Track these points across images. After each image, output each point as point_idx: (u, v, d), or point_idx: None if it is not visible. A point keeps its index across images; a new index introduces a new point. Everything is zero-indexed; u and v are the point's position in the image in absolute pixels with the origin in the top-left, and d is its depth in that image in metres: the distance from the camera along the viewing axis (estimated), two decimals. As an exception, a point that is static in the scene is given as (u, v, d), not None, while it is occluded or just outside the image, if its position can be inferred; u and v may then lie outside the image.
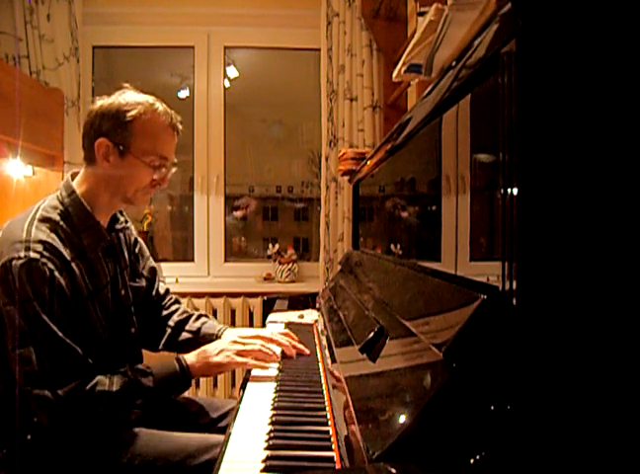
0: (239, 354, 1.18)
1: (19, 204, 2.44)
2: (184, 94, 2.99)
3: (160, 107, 1.17)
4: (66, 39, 2.57)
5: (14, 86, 2.11)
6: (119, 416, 1.06)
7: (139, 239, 1.39)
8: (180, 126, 1.21)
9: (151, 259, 1.43)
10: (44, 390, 0.99)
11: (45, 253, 1.03)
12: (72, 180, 1.19)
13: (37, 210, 1.11)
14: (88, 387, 1.02)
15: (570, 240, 0.52)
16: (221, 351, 1.18)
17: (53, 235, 1.07)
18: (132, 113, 1.12)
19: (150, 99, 1.17)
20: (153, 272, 1.41)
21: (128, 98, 1.15)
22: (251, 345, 1.21)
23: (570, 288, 0.52)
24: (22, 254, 1.01)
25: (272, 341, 1.28)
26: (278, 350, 1.29)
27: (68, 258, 1.08)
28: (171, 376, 1.12)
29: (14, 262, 1.01)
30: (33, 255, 1.01)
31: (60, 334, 1.01)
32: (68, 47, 2.57)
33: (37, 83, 2.50)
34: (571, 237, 0.52)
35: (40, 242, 1.04)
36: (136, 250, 1.36)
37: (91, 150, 1.14)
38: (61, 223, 1.10)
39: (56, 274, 1.03)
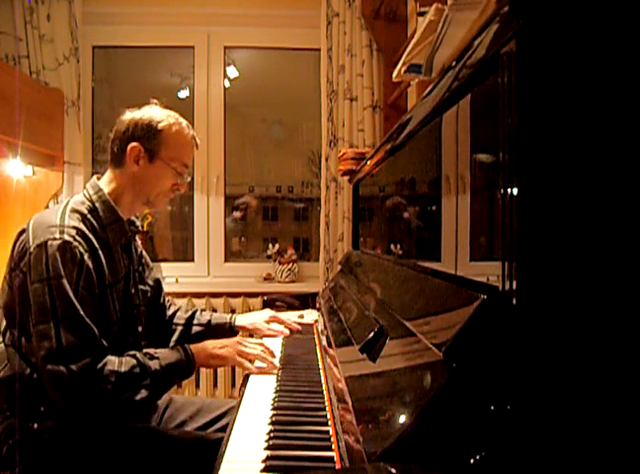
0: (240, 354, 1.24)
1: (19, 204, 2.44)
2: (184, 94, 2.99)
3: (184, 122, 1.30)
4: (66, 39, 2.57)
5: (14, 86, 2.11)
6: (125, 395, 1.09)
7: (144, 251, 1.47)
8: (198, 141, 1.34)
9: (155, 270, 1.51)
10: (60, 366, 1.03)
11: (78, 237, 1.12)
12: (98, 181, 1.27)
13: (67, 204, 1.19)
14: (99, 365, 1.07)
15: (570, 240, 0.52)
16: (225, 346, 1.25)
17: (82, 225, 1.15)
18: (163, 123, 1.25)
19: (176, 115, 1.30)
20: (158, 282, 1.49)
21: (158, 111, 1.27)
22: (252, 348, 1.26)
23: (570, 288, 0.52)
24: (57, 236, 1.10)
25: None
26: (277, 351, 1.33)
27: (96, 246, 1.16)
28: (177, 362, 1.18)
29: (49, 242, 1.09)
30: (67, 237, 1.10)
31: (82, 312, 1.07)
32: (68, 47, 2.57)
33: (37, 83, 2.50)
34: (571, 237, 0.52)
35: (74, 228, 1.13)
36: (143, 260, 1.43)
37: (121, 154, 1.25)
38: (89, 216, 1.19)
39: (86, 257, 1.11)
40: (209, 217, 2.86)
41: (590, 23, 0.52)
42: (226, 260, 2.90)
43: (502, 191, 0.56)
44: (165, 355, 1.18)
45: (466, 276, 0.73)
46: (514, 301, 0.53)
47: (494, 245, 0.65)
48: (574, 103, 0.52)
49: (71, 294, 1.06)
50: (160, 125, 1.24)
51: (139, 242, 1.44)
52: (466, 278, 0.72)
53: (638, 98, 0.52)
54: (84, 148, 2.66)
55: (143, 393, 1.11)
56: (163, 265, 2.86)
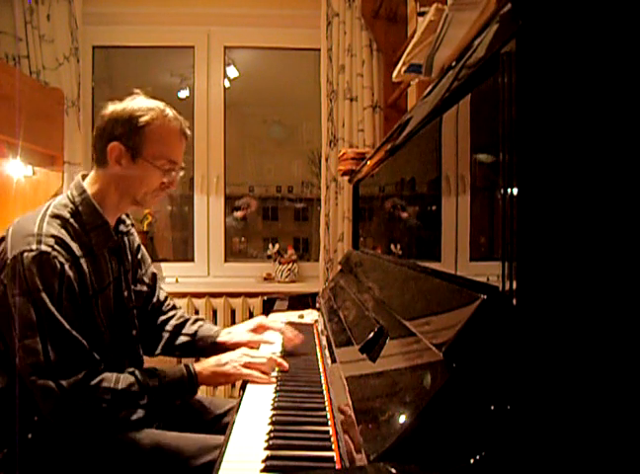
0: (246, 365, 1.18)
1: (19, 204, 2.44)
2: (184, 94, 2.99)
3: (170, 113, 1.20)
4: (66, 38, 2.57)
5: (14, 86, 2.11)
6: (120, 414, 1.06)
7: (142, 246, 1.41)
8: (188, 132, 1.25)
9: (152, 266, 1.44)
10: (49, 381, 1.00)
11: (57, 246, 1.05)
12: (83, 180, 1.21)
13: (47, 207, 1.13)
14: (94, 382, 1.03)
15: (570, 240, 0.52)
16: (229, 362, 1.19)
17: (64, 231, 1.10)
18: (145, 118, 1.15)
19: (161, 105, 1.20)
20: (154, 278, 1.43)
21: (140, 103, 1.18)
22: (258, 358, 1.21)
23: (570, 288, 0.52)
24: (34, 246, 1.03)
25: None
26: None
27: (78, 254, 1.10)
28: (178, 380, 1.13)
29: (25, 254, 1.03)
30: (44, 248, 1.04)
31: (67, 326, 1.02)
32: (68, 47, 2.57)
33: (37, 83, 2.50)
34: (571, 237, 0.52)
35: (52, 236, 1.06)
36: (139, 256, 1.38)
37: (103, 153, 1.17)
38: (71, 221, 1.12)
39: (66, 267, 1.05)
40: (209, 217, 2.86)
41: (589, 23, 0.52)
42: (226, 260, 2.90)
43: (502, 191, 0.56)
44: (166, 374, 1.13)
45: (466, 276, 0.73)
46: (514, 301, 0.53)
47: (494, 245, 0.65)
48: (574, 103, 0.52)
49: (52, 308, 1.01)
50: (141, 120, 1.15)
51: (136, 236, 1.38)
52: (466, 278, 0.72)
53: (638, 98, 0.52)
54: (84, 148, 2.65)
55: (140, 413, 1.07)
56: (163, 265, 2.86)
